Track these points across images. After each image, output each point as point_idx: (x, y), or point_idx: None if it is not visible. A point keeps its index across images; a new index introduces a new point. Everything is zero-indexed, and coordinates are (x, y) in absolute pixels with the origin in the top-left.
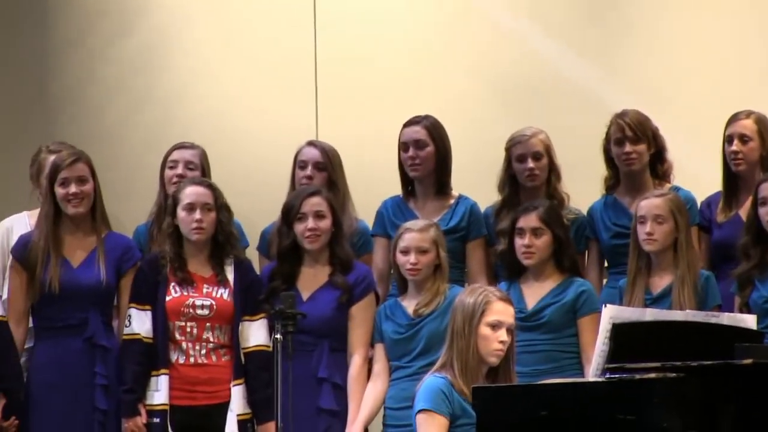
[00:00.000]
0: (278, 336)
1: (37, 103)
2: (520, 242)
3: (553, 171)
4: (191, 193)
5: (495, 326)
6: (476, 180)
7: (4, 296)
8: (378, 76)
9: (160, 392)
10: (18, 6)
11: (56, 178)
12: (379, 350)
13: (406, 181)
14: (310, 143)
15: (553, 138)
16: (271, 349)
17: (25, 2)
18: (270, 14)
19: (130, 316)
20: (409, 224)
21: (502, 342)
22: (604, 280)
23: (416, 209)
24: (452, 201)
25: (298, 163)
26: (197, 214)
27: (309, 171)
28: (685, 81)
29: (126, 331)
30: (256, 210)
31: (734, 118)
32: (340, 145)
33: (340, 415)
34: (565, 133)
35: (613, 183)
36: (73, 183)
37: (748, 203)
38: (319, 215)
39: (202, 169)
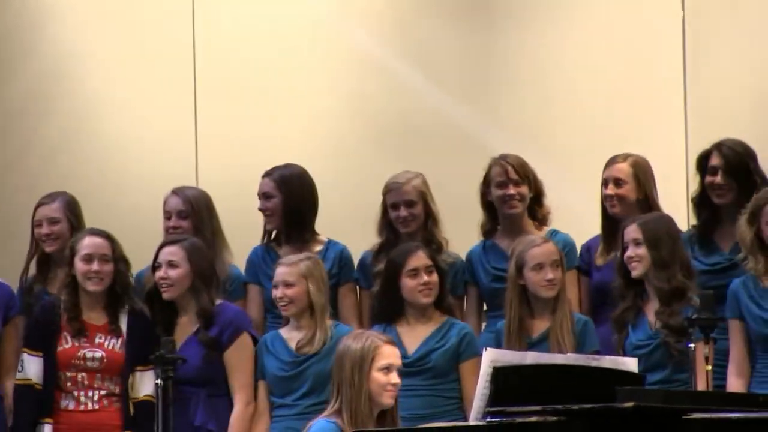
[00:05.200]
0: (159, 381)
1: None
2: (414, 282)
3: (430, 216)
4: (89, 244)
5: (386, 370)
6: (354, 223)
7: None
8: (257, 119)
9: None
10: None
11: None
12: (261, 388)
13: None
14: (174, 192)
15: (432, 181)
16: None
17: None
18: (152, 61)
19: (22, 360)
20: (284, 258)
21: (394, 384)
22: (482, 324)
23: (283, 256)
24: (321, 247)
25: (164, 213)
26: (95, 265)
27: (173, 221)
28: (565, 124)
29: (19, 375)
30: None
31: (611, 162)
32: (221, 189)
33: None
34: (445, 176)
35: (489, 227)
36: None
37: None
38: (171, 264)
39: (68, 220)
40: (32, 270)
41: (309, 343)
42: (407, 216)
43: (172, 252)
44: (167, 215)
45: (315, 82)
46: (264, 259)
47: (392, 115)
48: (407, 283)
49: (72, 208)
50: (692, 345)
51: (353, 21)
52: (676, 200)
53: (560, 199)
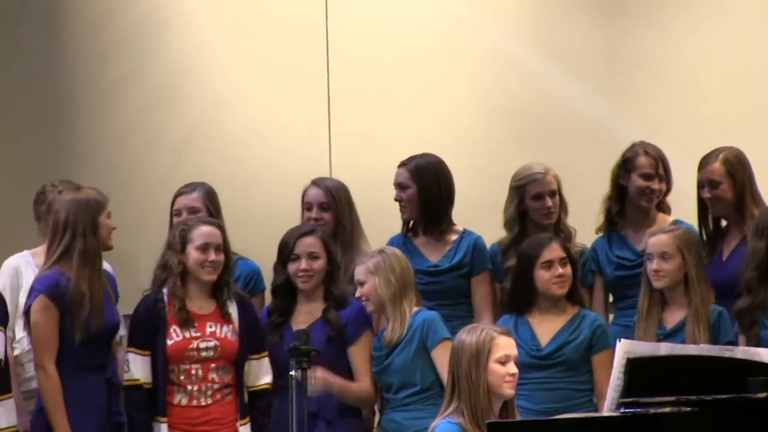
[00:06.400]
0: (293, 373)
1: (50, 144)
2: (548, 274)
3: (562, 206)
4: (205, 233)
5: (504, 362)
6: (481, 213)
7: (18, 336)
8: (390, 113)
9: None
10: (31, 48)
11: (102, 212)
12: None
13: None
14: (314, 183)
15: (564, 172)
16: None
17: (38, 43)
18: (284, 56)
19: (128, 360)
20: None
21: (512, 375)
22: (610, 315)
23: (420, 246)
24: (456, 237)
25: (304, 205)
26: (212, 255)
27: (314, 212)
28: (696, 116)
29: (126, 376)
30: (270, 249)
31: (704, 162)
32: (355, 182)
33: None
34: (570, 168)
35: (617, 210)
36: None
37: (733, 241)
38: (312, 256)
39: (207, 210)
40: None
41: (392, 334)
42: (551, 206)
43: (311, 243)
44: (308, 206)
45: (447, 77)
46: (402, 249)
47: (525, 107)
48: (541, 274)
49: (211, 198)
50: None
51: (486, 15)
52: None
53: (689, 191)
